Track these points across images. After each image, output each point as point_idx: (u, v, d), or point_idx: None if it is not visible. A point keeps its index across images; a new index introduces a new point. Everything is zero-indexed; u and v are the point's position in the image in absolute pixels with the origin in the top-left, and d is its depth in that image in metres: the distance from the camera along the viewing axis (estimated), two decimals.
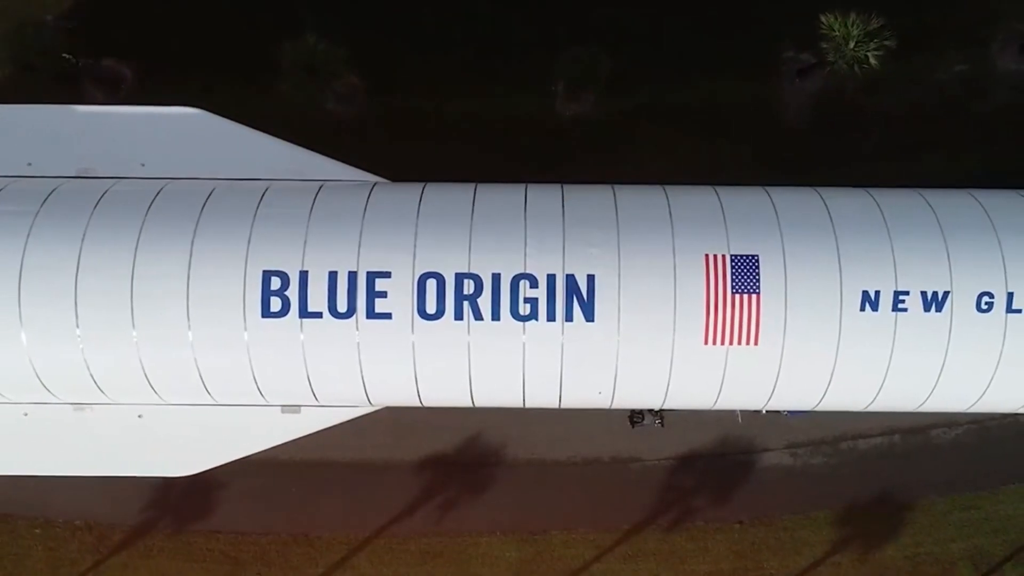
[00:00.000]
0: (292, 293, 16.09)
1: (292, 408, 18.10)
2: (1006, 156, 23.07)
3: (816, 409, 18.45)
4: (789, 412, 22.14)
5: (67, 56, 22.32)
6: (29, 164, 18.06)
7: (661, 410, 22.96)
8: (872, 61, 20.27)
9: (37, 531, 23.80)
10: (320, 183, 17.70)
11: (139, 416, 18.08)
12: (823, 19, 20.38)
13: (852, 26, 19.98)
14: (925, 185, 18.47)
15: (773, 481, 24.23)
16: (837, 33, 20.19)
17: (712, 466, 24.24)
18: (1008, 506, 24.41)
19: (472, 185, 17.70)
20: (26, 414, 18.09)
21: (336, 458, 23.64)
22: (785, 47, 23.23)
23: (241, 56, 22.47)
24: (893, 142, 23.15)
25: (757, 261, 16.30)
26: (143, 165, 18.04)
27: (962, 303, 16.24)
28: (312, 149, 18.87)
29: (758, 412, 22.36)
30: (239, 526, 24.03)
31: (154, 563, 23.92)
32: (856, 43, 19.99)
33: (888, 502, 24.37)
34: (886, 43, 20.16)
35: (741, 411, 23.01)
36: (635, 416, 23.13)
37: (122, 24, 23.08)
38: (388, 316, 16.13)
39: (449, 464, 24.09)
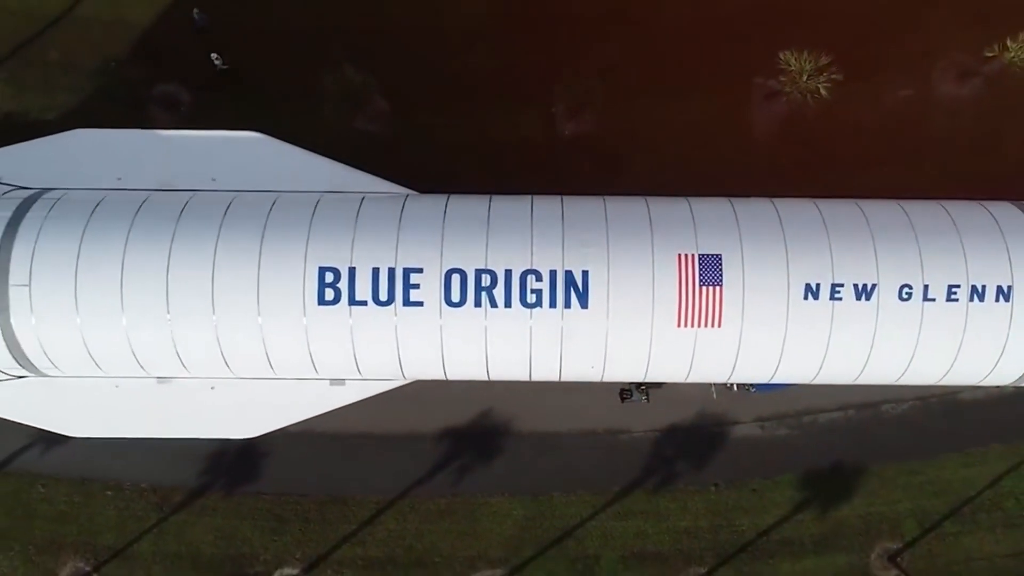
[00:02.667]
0: (343, 285, 19.46)
1: (338, 381, 21.47)
2: (945, 170, 26.27)
3: (774, 382, 21.72)
4: (755, 387, 25.60)
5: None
6: (119, 179, 21.47)
7: (647, 388, 26.32)
8: (822, 92, 23.58)
9: (109, 493, 26.79)
10: (362, 195, 21.06)
11: (211, 388, 21.51)
12: (781, 55, 23.68)
13: (805, 62, 23.28)
14: (863, 196, 21.84)
15: (744, 450, 27.10)
16: (793, 68, 23.50)
17: (691, 437, 27.09)
18: (948, 471, 27.29)
19: (488, 197, 21.04)
20: (117, 386, 21.57)
21: (366, 430, 26.57)
22: (754, 74, 26.45)
23: (287, 86, 25.83)
24: (845, 157, 26.22)
25: (720, 259, 19.62)
26: (214, 180, 21.44)
27: (887, 293, 19.58)
28: (348, 163, 22.18)
29: (730, 389, 25.95)
30: (282, 489, 26.95)
31: (209, 520, 26.85)
32: (808, 76, 23.31)
33: (844, 468, 27.23)
34: (834, 76, 23.45)
35: (715, 389, 26.38)
36: (624, 393, 26.39)
37: (184, 57, 26.47)
38: (420, 304, 19.47)
39: (463, 435, 26.97)
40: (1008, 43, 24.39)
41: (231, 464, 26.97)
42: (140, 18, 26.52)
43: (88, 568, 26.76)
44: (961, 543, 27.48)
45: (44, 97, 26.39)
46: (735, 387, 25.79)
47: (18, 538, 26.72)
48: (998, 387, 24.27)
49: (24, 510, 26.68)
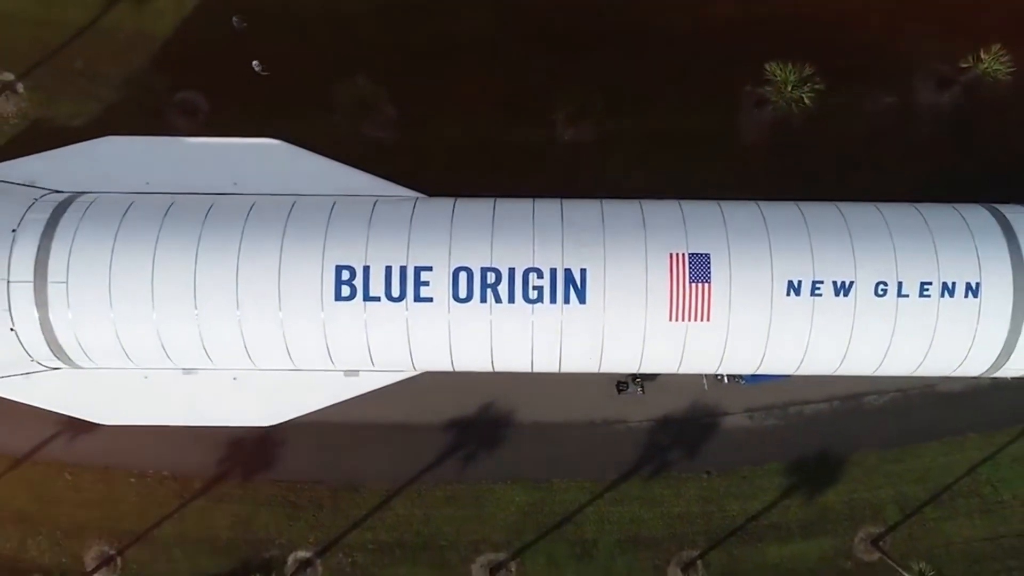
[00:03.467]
0: (358, 282, 20.85)
1: (353, 372, 22.86)
2: (921, 173, 27.55)
3: (761, 374, 23.11)
4: (745, 380, 26.94)
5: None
6: (147, 183, 22.86)
7: (642, 380, 27.65)
8: (806, 101, 24.84)
9: (131, 480, 28.00)
10: (375, 198, 22.43)
11: (234, 378, 22.93)
12: (767, 66, 24.94)
13: (790, 72, 24.57)
14: (844, 199, 23.19)
15: (734, 439, 28.33)
16: (778, 78, 24.78)
17: (684, 427, 28.29)
18: (927, 459, 28.62)
19: (492, 199, 22.41)
20: (146, 377, 23.01)
21: (377, 420, 27.69)
22: (744, 84, 27.61)
23: (301, 95, 27.13)
24: (832, 161, 27.55)
25: (709, 258, 20.99)
26: (236, 184, 22.84)
27: (864, 290, 20.99)
28: (360, 168, 23.38)
29: (721, 381, 27.30)
30: (297, 476, 28.15)
31: (227, 507, 28.09)
32: (792, 87, 24.60)
33: (829, 456, 28.49)
34: (817, 86, 24.70)
35: (707, 381, 27.72)
36: (621, 385, 27.63)
37: (202, 66, 27.76)
38: (430, 300, 20.85)
39: (468, 425, 28.14)
40: (982, 54, 25.73)
41: (248, 453, 28.12)
42: (161, 29, 27.67)
43: (112, 551, 28.09)
44: (941, 527, 28.80)
45: (70, 104, 27.61)
46: (725, 379, 27.16)
47: (46, 523, 28.01)
48: (973, 379, 25.59)
49: (51, 496, 27.93)
